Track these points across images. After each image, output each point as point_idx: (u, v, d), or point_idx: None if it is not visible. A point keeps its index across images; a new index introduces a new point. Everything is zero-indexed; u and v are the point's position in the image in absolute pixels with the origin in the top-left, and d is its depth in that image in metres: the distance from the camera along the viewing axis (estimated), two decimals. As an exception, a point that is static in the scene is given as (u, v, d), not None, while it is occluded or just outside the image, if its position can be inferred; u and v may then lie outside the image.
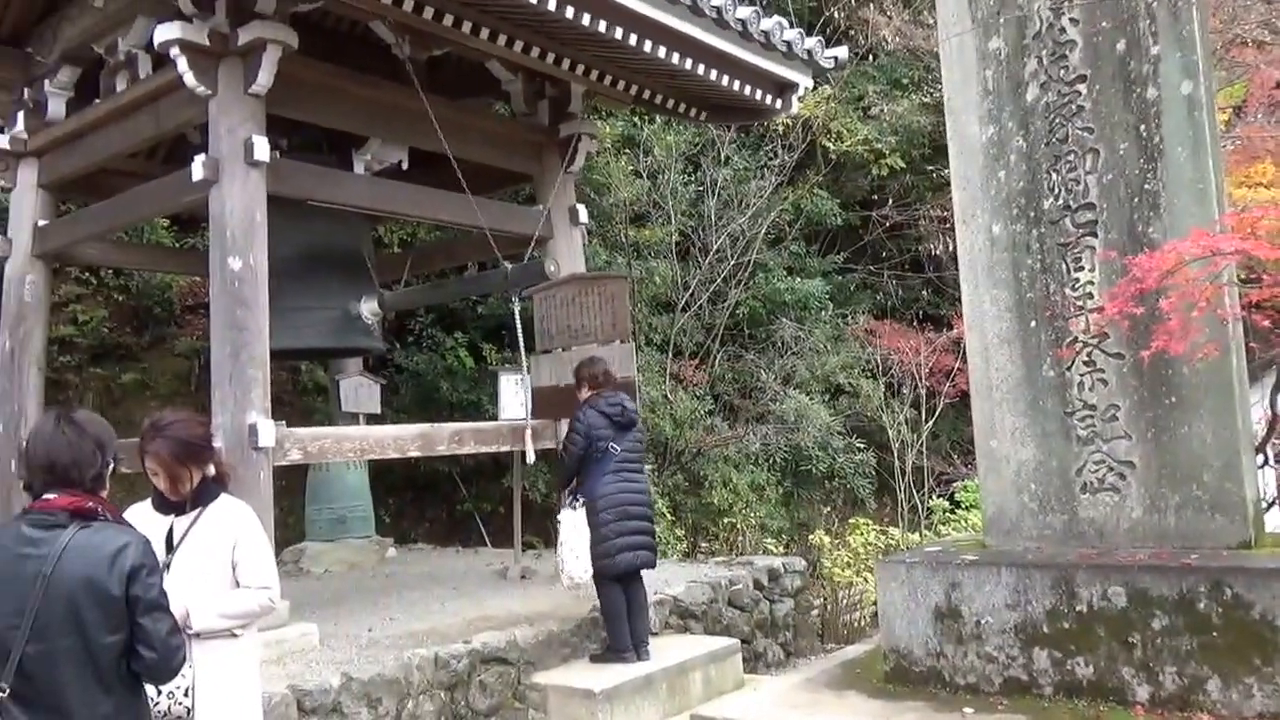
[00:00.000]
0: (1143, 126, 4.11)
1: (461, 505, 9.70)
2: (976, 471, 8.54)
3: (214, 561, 2.85)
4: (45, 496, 2.21)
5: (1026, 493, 4.49)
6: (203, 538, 2.85)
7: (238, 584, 2.88)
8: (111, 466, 2.33)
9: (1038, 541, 4.44)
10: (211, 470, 2.95)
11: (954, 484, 9.64)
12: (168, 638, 2.21)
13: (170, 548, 2.81)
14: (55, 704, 2.10)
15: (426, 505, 10.12)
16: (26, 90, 6.52)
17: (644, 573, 5.43)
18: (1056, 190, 4.32)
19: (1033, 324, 4.42)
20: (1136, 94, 4.13)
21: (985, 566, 4.28)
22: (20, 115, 6.50)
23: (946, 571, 4.34)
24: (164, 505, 2.89)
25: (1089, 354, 4.28)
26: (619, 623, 5.25)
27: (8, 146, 6.51)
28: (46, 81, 6.41)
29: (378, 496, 8.64)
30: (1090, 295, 4.26)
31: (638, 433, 5.46)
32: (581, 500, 5.30)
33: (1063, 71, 4.29)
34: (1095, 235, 4.24)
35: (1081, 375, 4.30)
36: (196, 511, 2.87)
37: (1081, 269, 4.28)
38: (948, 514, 8.75)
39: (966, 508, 8.63)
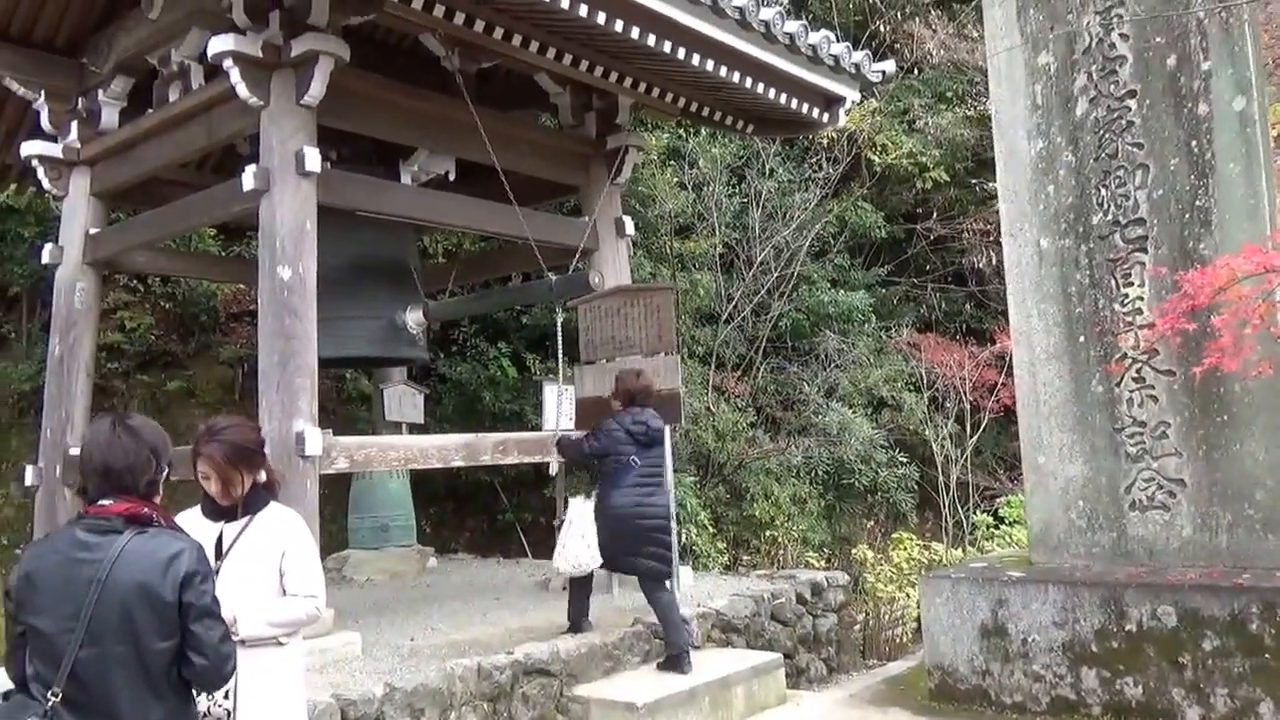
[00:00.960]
0: (1194, 142, 4.05)
1: (502, 515, 9.75)
2: (1021, 487, 8.43)
3: (263, 569, 2.87)
4: (101, 502, 2.22)
5: (1074, 509, 4.42)
6: (252, 545, 2.87)
7: (284, 592, 2.90)
8: (166, 472, 2.34)
9: (1085, 559, 4.37)
10: (262, 477, 2.96)
11: (997, 499, 9.50)
12: (219, 645, 2.21)
13: (220, 554, 2.82)
14: (107, 710, 2.10)
15: (467, 515, 10.18)
16: (81, 100, 6.66)
17: (681, 579, 5.43)
18: (1106, 205, 4.26)
19: (1081, 339, 4.36)
20: (1187, 110, 4.07)
21: (1032, 583, 4.22)
22: (74, 124, 6.64)
23: (993, 588, 4.29)
24: (214, 512, 2.91)
25: (1138, 370, 4.22)
26: (671, 620, 5.30)
27: (61, 155, 6.64)
28: (100, 91, 6.55)
29: (419, 505, 8.72)
30: (1140, 311, 4.20)
31: (661, 448, 5.50)
32: (594, 495, 5.44)
33: (1113, 87, 4.24)
34: (1145, 251, 4.17)
35: (1131, 391, 4.23)
36: (246, 519, 2.89)
37: (1131, 284, 4.22)
38: (991, 529, 8.63)
39: (1010, 523, 8.50)
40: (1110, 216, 4.27)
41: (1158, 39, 4.05)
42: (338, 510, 8.50)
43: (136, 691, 2.12)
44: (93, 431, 2.33)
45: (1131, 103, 4.19)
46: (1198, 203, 4.07)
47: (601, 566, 5.41)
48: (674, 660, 5.28)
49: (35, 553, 2.26)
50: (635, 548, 5.29)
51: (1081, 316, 4.37)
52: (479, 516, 10.12)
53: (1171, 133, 4.11)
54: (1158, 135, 4.13)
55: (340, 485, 8.20)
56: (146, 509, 2.24)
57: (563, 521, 5.58)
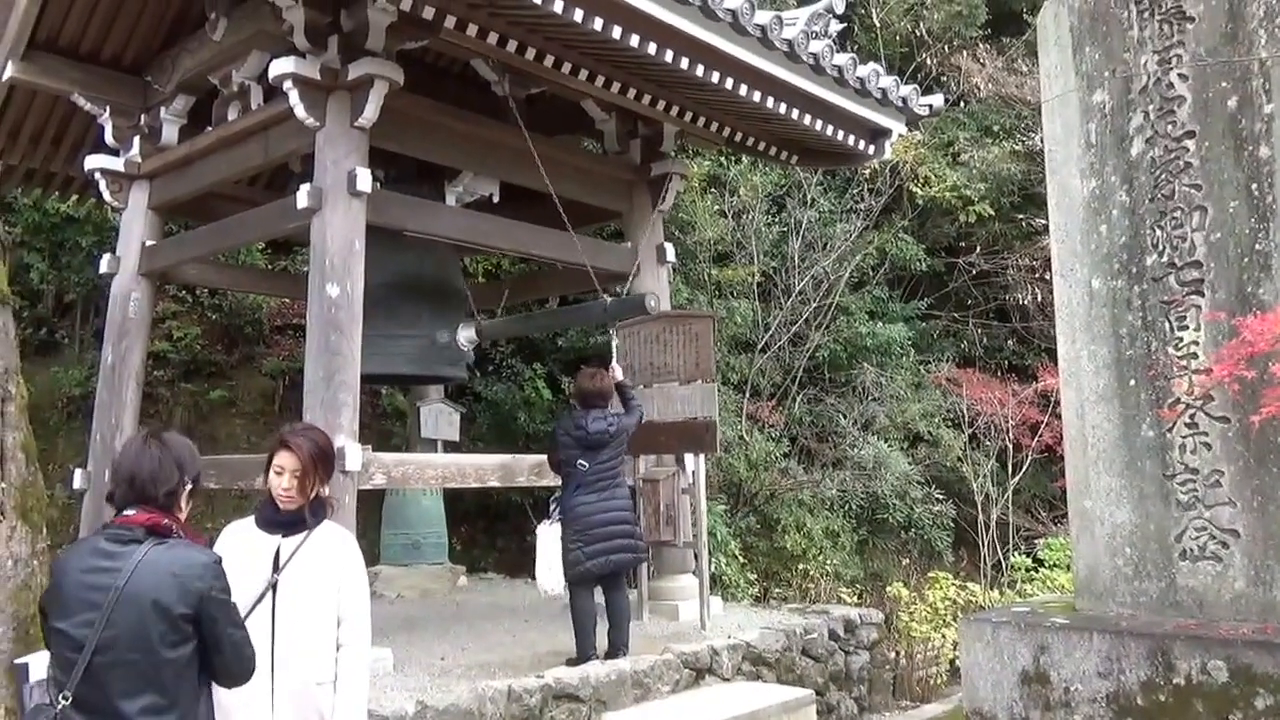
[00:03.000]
0: (1254, 185, 3.98)
1: (532, 535, 9.73)
2: (1062, 529, 8.29)
3: (320, 590, 2.84)
4: (126, 512, 2.31)
5: (1121, 556, 4.33)
6: (310, 561, 2.85)
7: (339, 621, 2.86)
8: (190, 487, 2.41)
9: (1132, 608, 4.26)
10: (325, 491, 2.98)
11: (1037, 541, 9.34)
12: (241, 647, 2.31)
13: (276, 567, 2.81)
14: (115, 714, 2.17)
15: (498, 534, 10.19)
16: (143, 116, 6.84)
17: (717, 610, 5.41)
18: (1161, 247, 4.19)
19: (1132, 382, 4.28)
20: (1248, 152, 4.00)
21: (1076, 631, 4.12)
22: (136, 140, 6.82)
23: (1035, 634, 4.20)
24: (271, 523, 2.89)
25: (1192, 416, 4.12)
26: (584, 631, 5.38)
27: (123, 169, 6.82)
28: (162, 108, 6.72)
29: (450, 523, 8.74)
30: (1194, 355, 4.11)
31: (612, 450, 5.47)
32: (560, 515, 5.46)
33: (1170, 127, 4.19)
34: (1201, 294, 4.09)
35: (1183, 438, 4.14)
36: (304, 533, 2.87)
37: (1185, 328, 4.13)
38: (1030, 572, 8.48)
39: (1051, 566, 8.35)
40: (1165, 258, 4.20)
41: (1218, 80, 3.99)
42: (369, 525, 8.54)
43: (145, 699, 2.18)
44: (128, 441, 2.46)
45: (1190, 144, 4.13)
46: (1257, 246, 3.99)
47: (577, 581, 5.39)
48: (610, 653, 5.39)
49: (63, 561, 2.34)
50: (602, 548, 5.33)
51: (1133, 359, 4.28)
52: (510, 536, 10.13)
53: (1231, 175, 4.04)
54: (1216, 177, 4.06)
55: (373, 500, 8.24)
56: (167, 520, 2.31)
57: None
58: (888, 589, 8.93)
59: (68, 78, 6.54)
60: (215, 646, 2.27)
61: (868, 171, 11.27)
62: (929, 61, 11.98)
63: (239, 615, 2.35)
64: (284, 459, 2.88)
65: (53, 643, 2.24)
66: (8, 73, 6.33)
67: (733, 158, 10.91)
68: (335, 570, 2.88)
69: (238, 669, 2.33)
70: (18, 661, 2.43)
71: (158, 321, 8.90)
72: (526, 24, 5.43)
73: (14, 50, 6.24)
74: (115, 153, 6.83)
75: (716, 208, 10.74)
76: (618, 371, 5.89)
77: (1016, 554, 9.22)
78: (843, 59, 6.25)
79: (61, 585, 2.26)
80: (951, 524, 10.45)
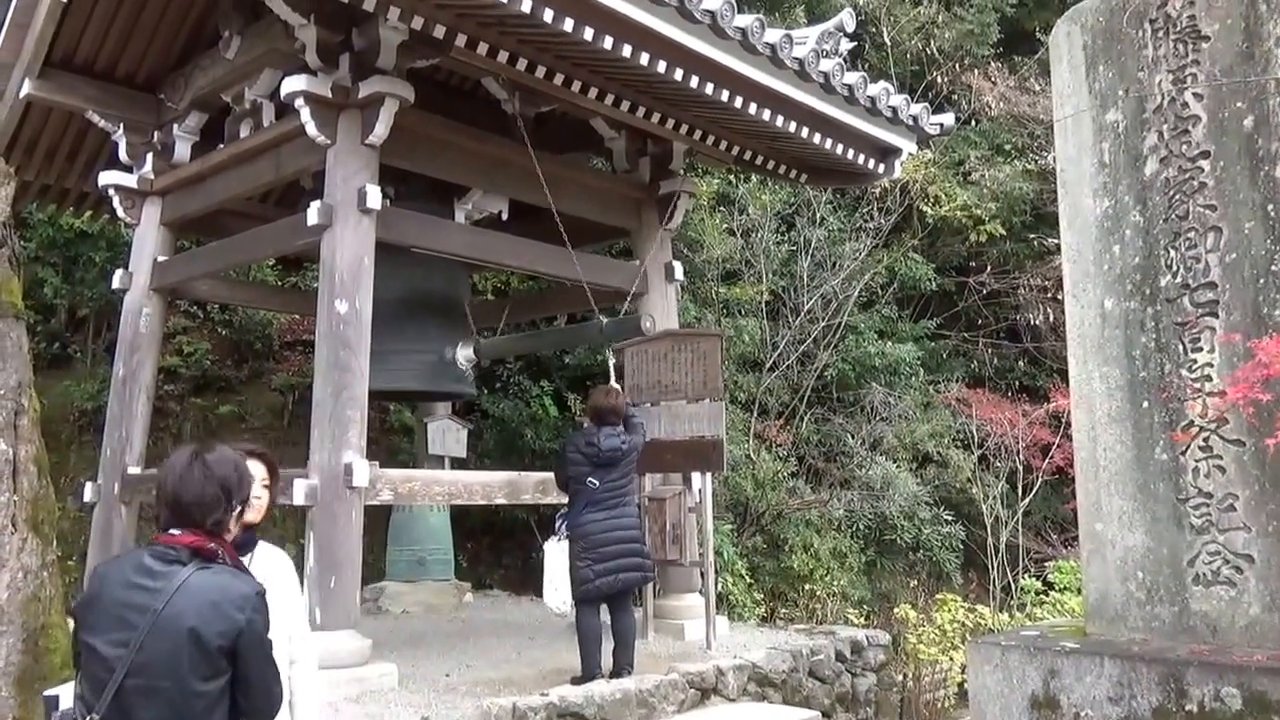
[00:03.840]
0: (1270, 206, 3.95)
1: (537, 553, 9.70)
2: (1073, 552, 8.21)
3: (273, 610, 2.75)
4: (171, 530, 2.21)
5: (1133, 580, 4.27)
6: (263, 579, 2.69)
7: (289, 638, 2.78)
8: (238, 510, 2.30)
9: (1144, 633, 4.20)
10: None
11: (1047, 564, 9.25)
12: (271, 688, 2.20)
13: None
14: None
15: (503, 551, 10.15)
16: (157, 133, 6.90)
17: (723, 630, 5.36)
18: (1175, 268, 4.16)
19: (1145, 404, 4.23)
20: (1264, 173, 3.97)
21: (1087, 655, 4.06)
22: (149, 156, 6.87)
23: (1045, 657, 4.14)
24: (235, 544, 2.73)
25: (1206, 439, 4.08)
26: (589, 650, 5.33)
27: (136, 185, 6.87)
28: (175, 125, 6.78)
29: (456, 540, 8.71)
30: (1209, 378, 4.06)
31: (622, 468, 5.45)
32: (567, 533, 5.42)
33: (1184, 147, 4.16)
34: (1216, 316, 4.05)
35: (1197, 461, 4.09)
36: (250, 553, 2.80)
37: (1200, 350, 4.09)
38: (1040, 595, 8.39)
39: (1061, 589, 8.27)
40: (1179, 279, 4.16)
41: (1236, 100, 3.97)
42: (375, 540, 8.52)
43: None
44: (172, 459, 2.30)
45: (1204, 164, 4.10)
46: (1273, 268, 3.96)
47: (586, 599, 5.36)
48: (615, 672, 5.36)
49: (103, 572, 2.24)
50: (611, 567, 5.30)
51: (1146, 381, 4.24)
52: (515, 553, 10.09)
53: (1246, 195, 4.00)
54: (1232, 198, 4.03)
55: (379, 515, 8.22)
56: (213, 544, 2.20)
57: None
58: (895, 610, 8.86)
59: (83, 95, 6.60)
60: (245, 683, 2.15)
61: (877, 190, 11.25)
62: (940, 80, 11.98)
63: (272, 651, 2.22)
64: (257, 470, 2.81)
65: (84, 656, 2.14)
66: (24, 90, 6.39)
67: (742, 176, 10.91)
68: (282, 588, 2.82)
69: (264, 707, 2.21)
70: (47, 693, 2.34)
71: (168, 337, 8.94)
72: (536, 42, 5.45)
73: (30, 68, 6.30)
74: (129, 169, 6.88)
75: (725, 226, 10.73)
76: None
77: (1026, 577, 9.13)
78: (853, 77, 6.25)
79: (99, 598, 2.17)
80: (960, 546, 10.36)
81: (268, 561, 2.87)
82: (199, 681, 2.08)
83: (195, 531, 2.20)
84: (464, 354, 7.15)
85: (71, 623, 2.28)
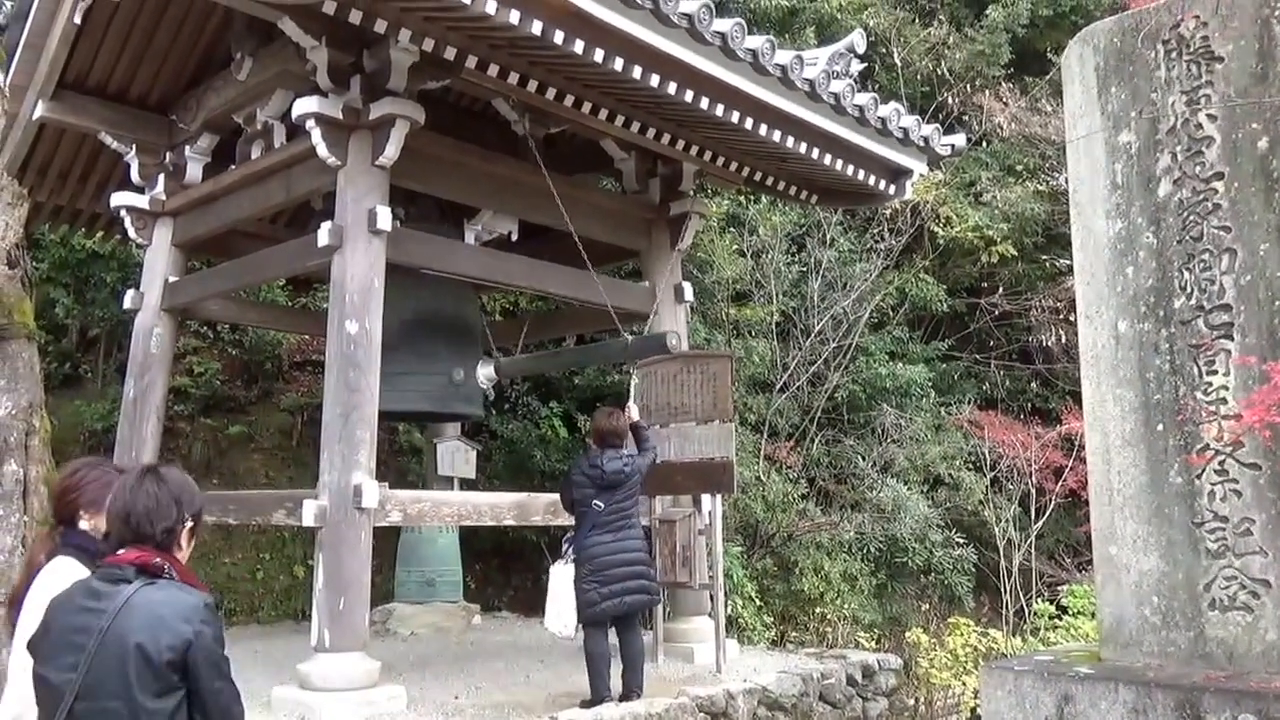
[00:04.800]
0: (1285, 227, 3.91)
1: (547, 575, 9.64)
2: (1087, 576, 8.11)
3: None
4: (118, 552, 2.17)
5: (1148, 605, 4.21)
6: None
7: None
8: (189, 525, 2.26)
9: (1159, 658, 4.14)
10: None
11: (1060, 588, 9.15)
12: (229, 708, 2.12)
13: None
14: None
15: (513, 572, 10.11)
16: (169, 154, 6.94)
17: (733, 653, 5.31)
18: (1189, 289, 4.12)
19: (1160, 427, 4.19)
20: (1279, 194, 3.94)
21: (1102, 681, 4.00)
22: (161, 177, 6.91)
23: (1059, 683, 4.08)
24: (93, 553, 2.56)
25: (1221, 462, 4.03)
26: (598, 673, 5.28)
27: (147, 206, 6.90)
28: (187, 147, 6.82)
29: (464, 561, 8.68)
30: (1224, 400, 4.02)
31: (626, 490, 5.42)
32: (573, 555, 5.39)
33: (1198, 168, 4.14)
34: (1231, 338, 4.01)
35: (1213, 484, 4.04)
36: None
37: (1215, 372, 4.05)
38: (1054, 620, 8.29)
39: (1075, 614, 8.17)
40: (1194, 301, 4.13)
41: (1250, 122, 3.94)
42: (384, 562, 8.49)
43: None
44: (123, 479, 2.28)
45: (1219, 185, 4.07)
46: (1288, 290, 3.92)
47: (593, 621, 5.32)
48: (624, 695, 5.31)
49: (55, 603, 2.19)
50: (617, 589, 5.27)
51: (1160, 404, 4.20)
52: (524, 575, 10.04)
53: (1261, 217, 3.97)
54: (1246, 219, 4.00)
55: (388, 537, 8.20)
56: (159, 559, 2.15)
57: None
58: (907, 634, 8.77)
59: (95, 116, 6.65)
60: (198, 696, 2.08)
61: (888, 211, 11.23)
62: (951, 100, 11.98)
63: (228, 666, 2.15)
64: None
65: (37, 690, 2.10)
66: (37, 112, 6.44)
67: (752, 197, 10.92)
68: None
69: None
70: None
71: (179, 357, 8.96)
72: (547, 64, 5.47)
73: (44, 90, 6.36)
74: (140, 190, 6.92)
75: (735, 247, 10.73)
76: (634, 412, 5.85)
77: (1040, 601, 9.03)
78: (864, 98, 6.26)
79: (50, 627, 2.12)
80: (973, 569, 10.25)
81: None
82: (150, 699, 2.02)
83: (142, 547, 2.16)
84: (484, 372, 7.16)
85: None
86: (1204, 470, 4.04)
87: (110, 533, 2.23)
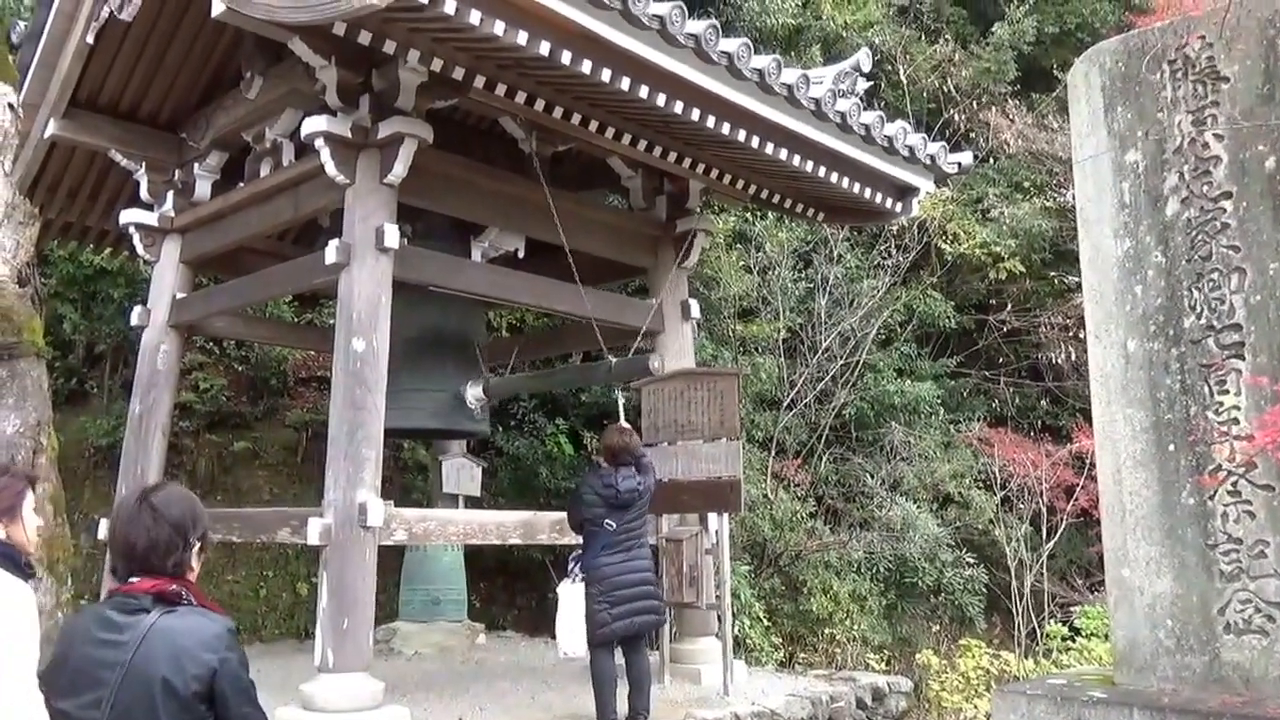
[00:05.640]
0: (1295, 246, 3.88)
1: (552, 594, 9.60)
2: (1099, 597, 8.03)
3: None
4: (130, 579, 2.12)
5: (1162, 629, 4.16)
6: None
7: None
8: (197, 547, 2.21)
9: (1174, 683, 4.08)
10: None
11: (1073, 609, 9.06)
12: None
13: None
14: None
15: (518, 591, 10.06)
16: (178, 172, 6.96)
17: (741, 675, 5.25)
18: (1199, 309, 4.09)
19: (1171, 447, 4.15)
20: (1288, 212, 3.92)
21: (1115, 706, 3.95)
22: (170, 194, 6.93)
23: (1072, 708, 4.03)
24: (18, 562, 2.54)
25: (1234, 483, 3.99)
26: (604, 694, 5.23)
27: (156, 223, 6.92)
28: (196, 164, 6.84)
29: (469, 580, 8.64)
30: (1235, 420, 3.98)
31: (637, 509, 5.39)
32: (582, 574, 5.34)
33: (1206, 187, 4.12)
34: (1241, 358, 3.98)
35: (1226, 505, 4.00)
36: None
37: (1226, 392, 4.01)
38: (1066, 641, 8.21)
39: (1088, 636, 8.08)
40: (1204, 320, 4.10)
41: (1257, 143, 3.93)
42: (388, 580, 8.46)
43: None
44: (118, 507, 2.22)
45: (1226, 204, 4.06)
46: (1298, 310, 3.89)
47: (603, 642, 5.28)
48: (630, 717, 5.25)
49: (67, 632, 2.16)
50: (628, 609, 5.23)
51: (1171, 424, 4.16)
52: (529, 594, 9.99)
53: (1270, 236, 3.95)
54: (1255, 239, 3.98)
55: (392, 555, 8.17)
56: (175, 586, 2.12)
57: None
58: (917, 656, 8.70)
59: (106, 134, 6.69)
60: None
61: (895, 228, 11.23)
62: (957, 117, 12.00)
63: (255, 692, 2.11)
64: (32, 498, 2.65)
65: None
66: (49, 130, 6.49)
67: (758, 214, 10.93)
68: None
69: None
70: None
71: (185, 372, 8.96)
72: (554, 83, 5.48)
73: (56, 108, 6.41)
74: (149, 207, 6.95)
75: (742, 263, 10.73)
76: None
77: (1052, 622, 8.95)
78: (870, 117, 6.25)
79: (67, 660, 2.08)
80: (983, 589, 10.17)
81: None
82: None
83: (155, 576, 2.11)
84: (473, 393, 7.14)
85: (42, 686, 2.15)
86: (1217, 491, 4.00)
87: (116, 567, 2.18)
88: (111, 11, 5.75)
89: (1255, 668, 3.88)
